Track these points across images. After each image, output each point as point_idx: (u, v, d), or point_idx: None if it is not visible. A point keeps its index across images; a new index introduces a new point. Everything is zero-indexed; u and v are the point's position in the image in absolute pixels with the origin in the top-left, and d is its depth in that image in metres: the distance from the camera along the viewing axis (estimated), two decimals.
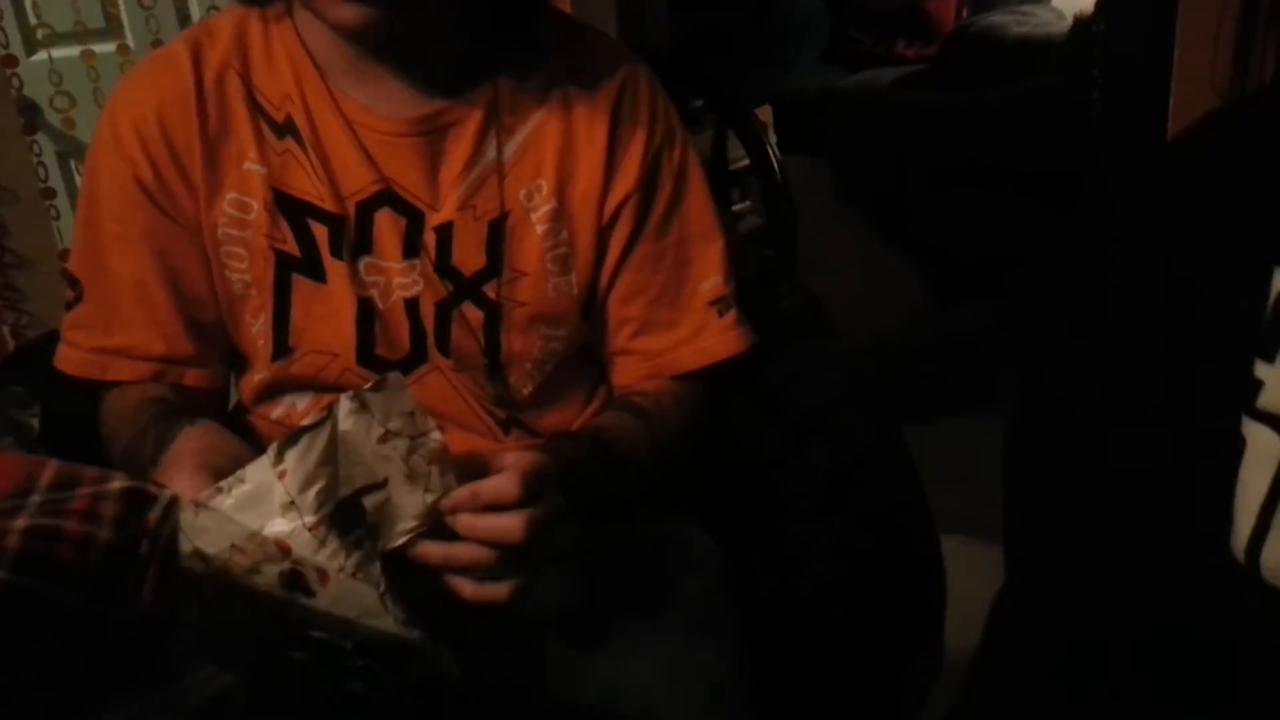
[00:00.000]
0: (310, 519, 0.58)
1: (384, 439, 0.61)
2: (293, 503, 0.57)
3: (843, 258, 2.50)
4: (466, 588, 0.67)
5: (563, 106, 0.87)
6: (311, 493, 0.58)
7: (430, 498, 0.64)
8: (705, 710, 0.79)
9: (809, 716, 0.99)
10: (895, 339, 2.40)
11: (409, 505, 0.63)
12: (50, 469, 0.34)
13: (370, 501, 0.61)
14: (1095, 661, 0.51)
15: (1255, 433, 0.46)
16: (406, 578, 0.64)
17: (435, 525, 0.65)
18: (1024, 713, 0.55)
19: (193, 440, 0.71)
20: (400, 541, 0.63)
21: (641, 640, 0.79)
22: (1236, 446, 0.46)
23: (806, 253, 1.80)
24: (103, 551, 0.32)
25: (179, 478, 0.64)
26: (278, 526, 0.57)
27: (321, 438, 0.60)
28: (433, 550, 0.66)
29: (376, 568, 0.60)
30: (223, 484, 0.58)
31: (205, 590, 0.56)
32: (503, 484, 0.66)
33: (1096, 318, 0.52)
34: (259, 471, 0.58)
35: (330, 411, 0.61)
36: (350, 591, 0.58)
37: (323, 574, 0.57)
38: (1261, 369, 0.46)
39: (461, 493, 0.66)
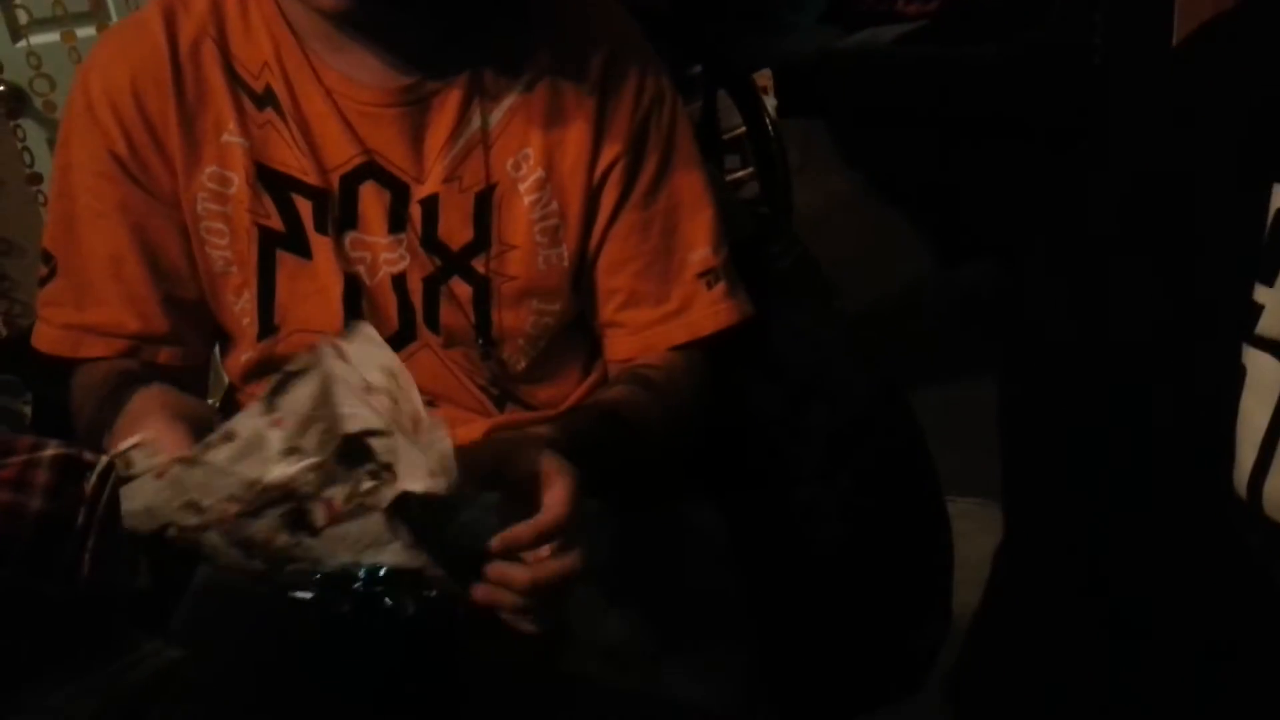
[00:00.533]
0: (315, 459, 0.56)
1: (367, 390, 0.59)
2: (293, 448, 0.56)
3: (844, 219, 2.47)
4: (526, 626, 0.65)
5: (550, 72, 0.84)
6: (312, 434, 0.56)
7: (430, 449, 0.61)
8: (709, 678, 0.78)
9: (818, 680, 0.98)
10: (900, 300, 2.38)
11: (411, 452, 0.60)
12: None
13: (378, 444, 0.59)
14: (1094, 607, 0.49)
15: (1255, 360, 0.44)
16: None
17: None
18: (1026, 659, 0.54)
19: (155, 396, 0.69)
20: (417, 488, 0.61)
21: (643, 609, 0.78)
22: (1236, 376, 0.44)
23: (807, 216, 1.77)
24: (34, 522, 0.31)
25: (151, 426, 0.62)
26: (278, 472, 0.55)
27: (313, 382, 0.58)
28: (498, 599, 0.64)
29: (386, 497, 0.58)
30: (210, 439, 0.56)
31: (204, 543, 0.54)
32: (558, 517, 0.63)
33: (1081, 247, 0.49)
34: (249, 421, 0.57)
35: (316, 355, 0.59)
36: (355, 523, 0.56)
37: (329, 506, 0.56)
38: (1261, 292, 0.44)
39: (523, 530, 0.63)
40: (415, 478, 0.58)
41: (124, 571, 0.33)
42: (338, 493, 0.57)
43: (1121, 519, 0.49)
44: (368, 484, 0.57)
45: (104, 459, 0.33)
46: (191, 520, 0.54)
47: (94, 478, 0.32)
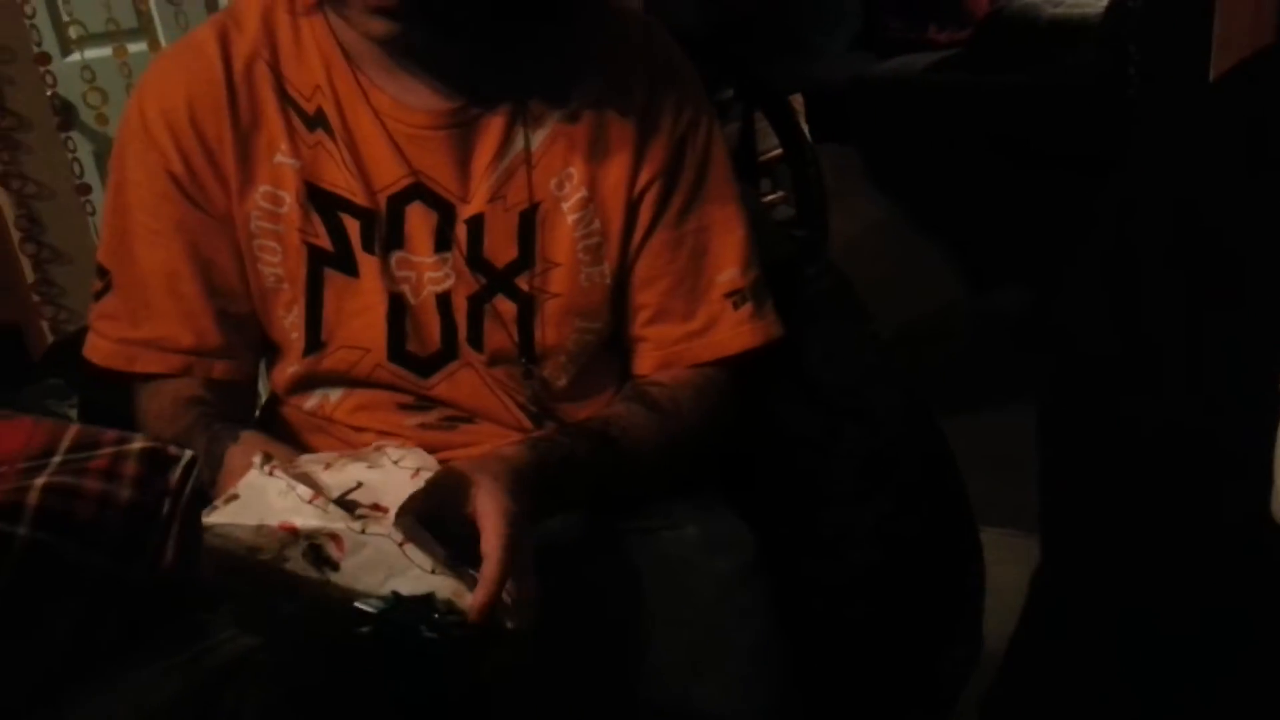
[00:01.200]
0: (307, 494, 0.58)
1: (328, 465, 0.63)
2: (288, 487, 0.58)
3: (877, 245, 2.47)
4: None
5: (593, 94, 0.85)
6: (304, 484, 0.59)
7: (405, 464, 0.64)
8: (735, 691, 0.78)
9: (848, 702, 0.98)
10: (931, 325, 2.37)
11: (391, 476, 0.64)
12: (72, 431, 0.34)
13: (357, 494, 0.62)
14: (1130, 633, 0.49)
15: None
16: None
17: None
18: (1061, 688, 0.54)
19: (248, 448, 0.72)
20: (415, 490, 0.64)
21: (669, 620, 0.78)
22: (1273, 403, 0.44)
23: (840, 241, 1.78)
24: (123, 510, 0.32)
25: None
26: (278, 511, 0.57)
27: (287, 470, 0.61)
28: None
29: (387, 523, 0.60)
30: (216, 502, 0.59)
31: (246, 594, 0.56)
32: (496, 565, 0.64)
33: (1121, 272, 0.50)
34: (248, 478, 0.59)
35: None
36: (369, 551, 0.58)
37: (337, 540, 0.57)
38: None
39: (479, 597, 0.64)
40: (402, 493, 0.60)
41: (197, 564, 0.35)
42: (338, 524, 0.59)
43: (1159, 544, 0.49)
44: (361, 522, 0.59)
45: (188, 453, 0.34)
46: (232, 573, 0.56)
47: (179, 470, 0.34)
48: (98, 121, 1.69)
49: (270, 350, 0.91)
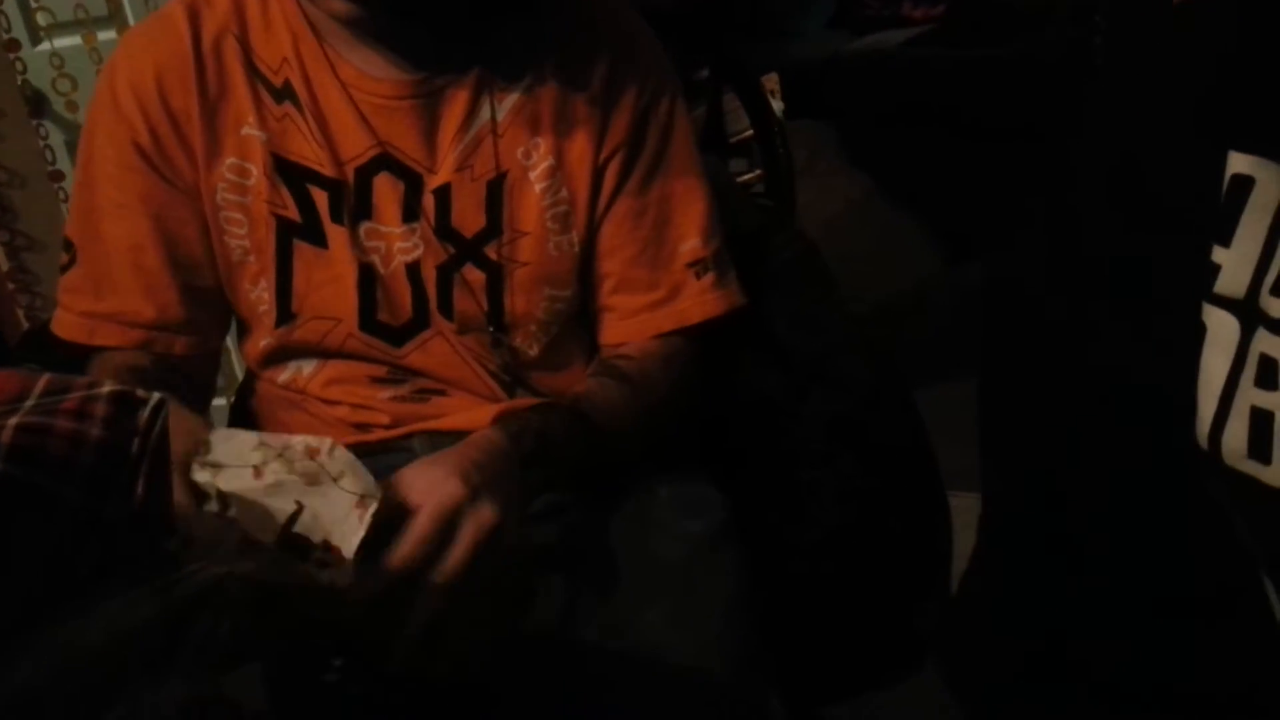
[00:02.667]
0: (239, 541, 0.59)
1: (258, 473, 0.61)
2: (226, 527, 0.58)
3: (851, 220, 2.49)
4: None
5: (558, 65, 0.87)
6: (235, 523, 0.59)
7: (345, 485, 0.63)
8: (709, 648, 0.79)
9: (818, 659, 1.00)
10: (907, 299, 2.39)
11: (336, 504, 0.63)
12: (44, 379, 0.35)
13: (302, 525, 0.61)
14: (1065, 559, 0.52)
15: (1214, 317, 0.47)
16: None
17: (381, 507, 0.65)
18: (1001, 617, 0.56)
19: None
20: (364, 531, 0.63)
21: (643, 581, 0.80)
22: (1198, 333, 0.46)
23: (817, 217, 1.79)
24: (94, 448, 0.34)
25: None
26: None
27: (210, 511, 0.59)
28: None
29: (346, 572, 0.61)
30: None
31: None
32: (423, 533, 0.66)
33: (1057, 212, 0.52)
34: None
35: (199, 488, 0.60)
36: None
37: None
38: (1218, 253, 0.47)
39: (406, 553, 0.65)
40: (350, 530, 0.60)
41: (169, 504, 0.36)
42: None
43: (1091, 471, 0.52)
44: (320, 572, 0.60)
45: (156, 396, 0.36)
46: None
47: (147, 412, 0.35)
48: (68, 109, 1.69)
49: (240, 326, 0.92)
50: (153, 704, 0.31)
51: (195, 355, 0.88)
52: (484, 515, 0.69)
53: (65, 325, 0.87)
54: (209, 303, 0.88)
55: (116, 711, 0.30)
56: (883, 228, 2.63)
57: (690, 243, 0.91)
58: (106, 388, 0.35)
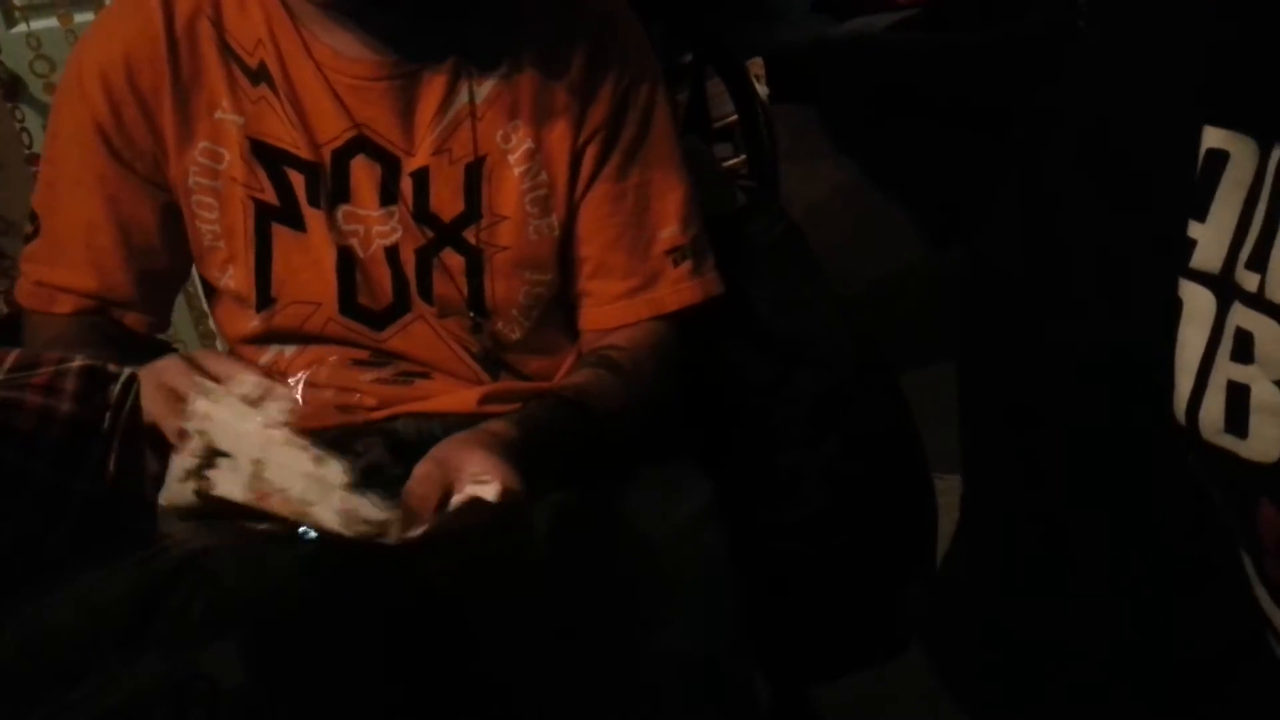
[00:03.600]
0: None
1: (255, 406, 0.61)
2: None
3: (836, 204, 2.49)
4: None
5: (537, 47, 0.86)
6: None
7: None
8: (694, 630, 0.80)
9: (803, 641, 1.01)
10: (892, 283, 2.39)
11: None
12: (14, 354, 0.35)
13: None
14: (1051, 538, 0.52)
15: (1190, 292, 0.47)
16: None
17: None
18: (985, 594, 0.57)
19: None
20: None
21: (627, 564, 0.81)
22: (1174, 308, 0.47)
23: (802, 202, 1.79)
24: (63, 423, 0.33)
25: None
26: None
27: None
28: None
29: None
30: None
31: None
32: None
33: (1034, 192, 0.53)
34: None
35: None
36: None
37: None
38: (1194, 228, 0.47)
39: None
40: (328, 502, 0.59)
41: (143, 476, 0.36)
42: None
43: (1070, 448, 0.52)
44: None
45: (127, 370, 0.35)
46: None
47: (118, 387, 0.35)
48: (45, 91, 1.67)
49: (222, 310, 0.91)
50: (128, 680, 0.31)
51: (143, 332, 0.89)
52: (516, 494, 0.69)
53: (24, 292, 0.88)
54: (160, 284, 0.89)
55: (87, 687, 0.29)
56: (867, 213, 2.63)
57: (668, 230, 0.91)
58: (77, 362, 0.35)
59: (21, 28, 1.66)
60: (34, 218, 0.89)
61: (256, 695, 0.36)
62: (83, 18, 1.68)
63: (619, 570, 0.82)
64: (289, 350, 0.90)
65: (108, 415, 0.34)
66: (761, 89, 2.61)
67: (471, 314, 0.87)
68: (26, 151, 1.66)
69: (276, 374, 0.90)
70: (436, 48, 0.84)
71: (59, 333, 0.84)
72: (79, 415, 0.33)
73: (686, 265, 0.91)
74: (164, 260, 0.88)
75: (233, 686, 0.35)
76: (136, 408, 0.35)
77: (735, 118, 2.02)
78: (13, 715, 0.29)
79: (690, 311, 0.92)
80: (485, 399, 0.89)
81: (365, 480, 0.65)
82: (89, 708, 0.28)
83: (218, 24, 0.83)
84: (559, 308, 0.93)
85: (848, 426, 0.98)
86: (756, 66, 2.69)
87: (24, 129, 1.66)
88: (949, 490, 1.03)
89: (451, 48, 0.84)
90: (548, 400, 0.83)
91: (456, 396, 0.89)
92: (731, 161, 2.41)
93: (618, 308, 0.91)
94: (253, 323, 0.88)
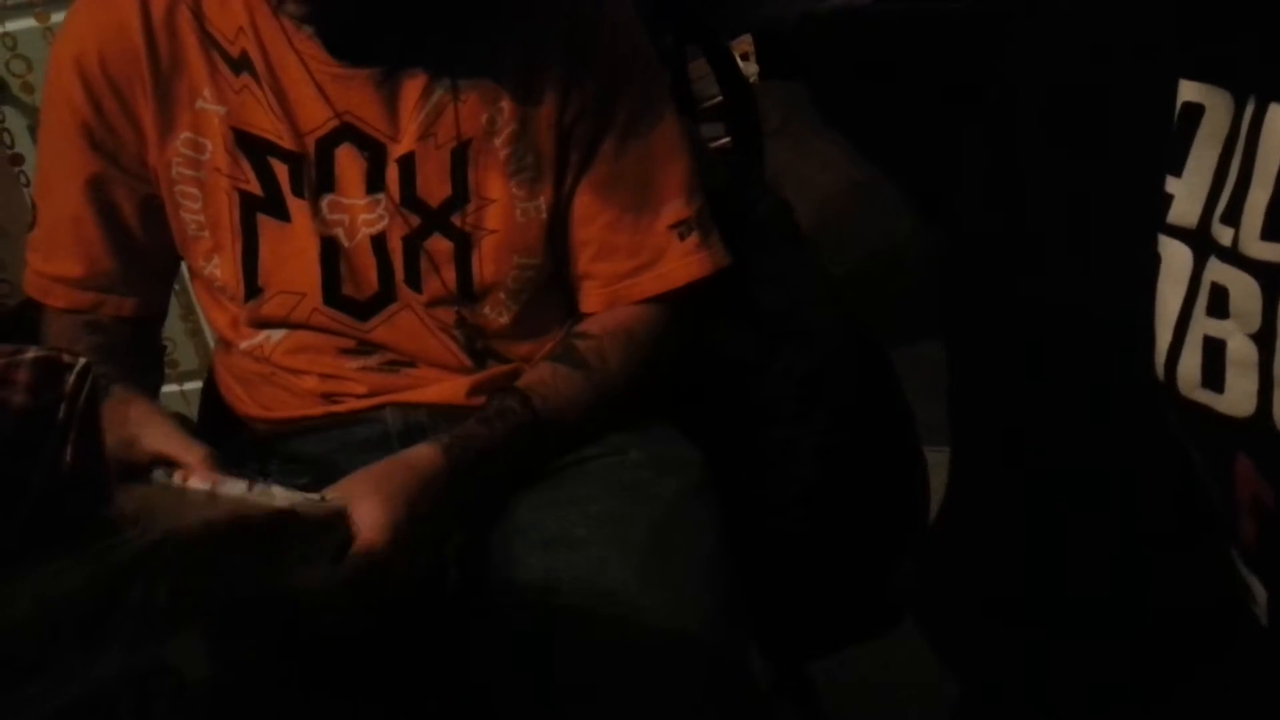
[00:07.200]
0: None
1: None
2: None
3: (826, 179, 2.48)
4: None
5: (521, 26, 0.85)
6: None
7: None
8: (688, 607, 0.79)
9: (796, 617, 1.01)
10: (883, 257, 2.39)
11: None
12: None
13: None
14: (1029, 493, 0.52)
15: (1168, 248, 0.47)
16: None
17: None
18: (971, 558, 0.57)
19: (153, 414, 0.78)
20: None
21: (617, 540, 0.80)
22: (1152, 263, 0.47)
23: (791, 177, 1.78)
24: (17, 416, 0.33)
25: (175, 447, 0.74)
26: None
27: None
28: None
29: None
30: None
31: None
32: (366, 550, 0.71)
33: (1003, 153, 0.52)
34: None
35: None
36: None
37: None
38: (1171, 183, 0.46)
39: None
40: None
41: (101, 466, 0.36)
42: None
43: (1053, 409, 0.52)
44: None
45: (82, 360, 0.35)
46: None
47: (73, 377, 0.35)
48: (23, 91, 1.66)
49: (208, 297, 0.91)
50: (90, 672, 0.31)
51: (146, 313, 0.91)
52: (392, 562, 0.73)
53: (26, 281, 0.90)
54: (152, 270, 0.90)
55: (47, 680, 0.29)
56: (858, 188, 2.62)
57: (673, 204, 0.90)
58: (30, 354, 0.34)
59: None
60: (33, 207, 0.90)
61: (222, 687, 0.36)
62: (59, 17, 1.67)
63: (610, 547, 0.81)
64: (276, 335, 0.89)
65: (63, 406, 0.34)
66: (751, 66, 2.60)
67: (460, 299, 0.87)
68: (9, 151, 1.65)
69: (261, 359, 0.90)
70: (418, 30, 0.83)
71: (53, 335, 0.86)
72: (33, 406, 0.33)
73: (693, 238, 0.91)
74: (152, 248, 0.88)
75: (198, 678, 0.35)
76: (93, 397, 0.34)
77: (720, 99, 2.01)
78: None
79: (699, 286, 0.91)
80: (473, 390, 0.88)
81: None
82: (50, 700, 0.28)
83: (197, 13, 0.83)
84: (548, 291, 0.92)
85: (836, 401, 0.98)
86: (745, 44, 2.68)
87: (5, 128, 1.65)
88: (941, 464, 1.03)
89: (433, 30, 0.84)
90: (490, 409, 0.83)
91: (444, 387, 0.89)
92: (720, 142, 2.40)
93: (623, 286, 0.90)
94: (240, 312, 0.88)
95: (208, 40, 0.82)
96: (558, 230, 0.89)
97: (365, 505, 0.72)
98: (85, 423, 0.35)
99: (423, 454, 0.78)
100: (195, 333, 1.74)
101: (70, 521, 0.34)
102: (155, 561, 0.34)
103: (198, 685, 0.35)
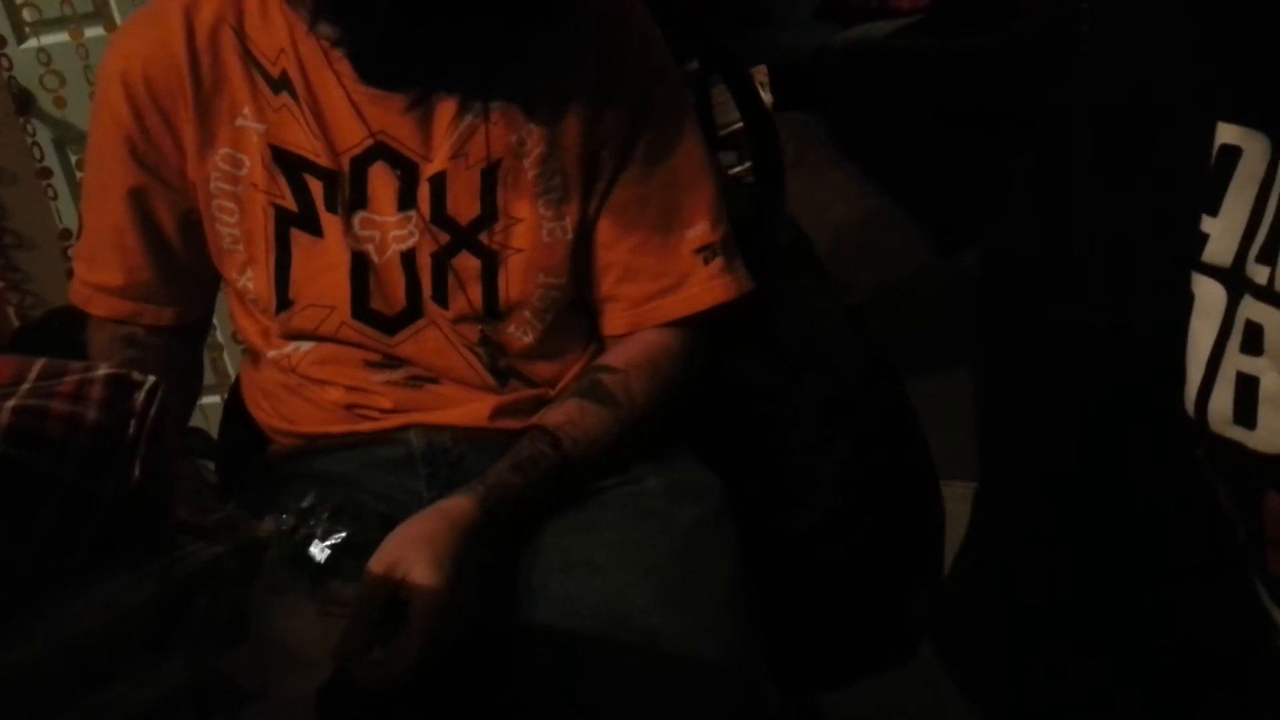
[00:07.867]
0: None
1: None
2: None
3: (842, 211, 2.49)
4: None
5: (552, 49, 0.87)
6: None
7: None
8: (704, 635, 0.79)
9: (813, 647, 1.01)
10: (899, 289, 2.39)
11: None
12: (40, 364, 0.35)
13: None
14: (1057, 527, 0.52)
15: (1202, 286, 0.47)
16: None
17: None
18: (996, 592, 0.57)
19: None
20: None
21: (637, 566, 0.81)
22: (1186, 301, 0.47)
23: (808, 208, 1.79)
24: (90, 431, 0.34)
25: None
26: None
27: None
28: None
29: None
30: None
31: None
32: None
33: (1047, 178, 0.53)
34: None
35: None
36: None
37: None
38: (1207, 222, 0.47)
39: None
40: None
41: (166, 482, 0.37)
42: None
43: (1086, 441, 0.52)
44: None
45: (150, 379, 0.36)
46: None
47: (143, 394, 0.36)
48: (56, 105, 1.69)
49: (240, 308, 0.93)
50: (154, 682, 0.31)
51: (185, 323, 0.92)
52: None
53: (72, 289, 0.92)
54: (190, 279, 0.92)
55: (114, 690, 0.30)
56: (874, 219, 2.63)
57: (698, 228, 0.91)
58: (102, 371, 0.35)
59: (32, 42, 1.68)
60: (81, 218, 0.93)
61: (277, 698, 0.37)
62: (93, 32, 1.70)
63: (628, 574, 0.82)
64: (304, 346, 0.91)
65: (132, 423, 0.35)
66: (766, 96, 2.62)
67: (485, 316, 0.88)
68: (37, 165, 1.67)
69: (288, 370, 0.91)
70: (452, 53, 0.85)
71: (95, 346, 0.89)
72: (105, 422, 0.34)
73: (718, 263, 0.91)
74: (191, 259, 0.90)
75: (254, 688, 0.35)
76: (160, 415, 0.35)
77: (741, 125, 2.03)
78: (40, 718, 0.29)
79: (724, 311, 0.92)
80: (496, 412, 0.89)
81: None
82: (118, 710, 0.29)
83: (240, 33, 0.85)
84: (572, 313, 0.93)
85: (857, 430, 0.98)
86: (760, 74, 2.70)
87: (34, 143, 1.68)
88: (956, 497, 1.03)
89: (467, 51, 0.85)
90: (522, 454, 0.83)
91: (467, 409, 0.89)
92: (737, 169, 2.41)
93: (648, 309, 0.91)
94: (270, 323, 0.89)
95: (250, 60, 0.84)
96: (582, 251, 0.90)
97: (418, 571, 0.73)
98: (152, 440, 0.36)
99: (461, 508, 0.79)
100: (212, 348, 1.76)
101: (136, 534, 0.35)
102: (217, 575, 0.34)
103: (254, 697, 0.36)
